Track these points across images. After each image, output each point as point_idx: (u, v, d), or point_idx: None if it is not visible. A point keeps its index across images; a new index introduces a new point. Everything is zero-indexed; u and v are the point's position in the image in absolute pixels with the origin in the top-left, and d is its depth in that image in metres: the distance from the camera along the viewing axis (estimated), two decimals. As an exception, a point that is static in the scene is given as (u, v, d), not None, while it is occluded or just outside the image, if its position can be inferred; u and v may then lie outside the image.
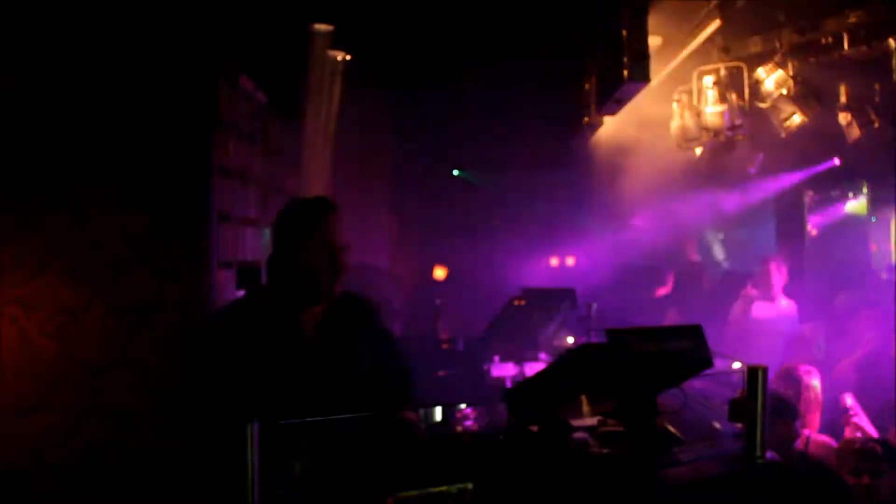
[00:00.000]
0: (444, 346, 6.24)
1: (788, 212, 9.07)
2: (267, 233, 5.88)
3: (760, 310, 6.81)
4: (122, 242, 2.11)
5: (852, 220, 9.77)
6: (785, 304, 6.81)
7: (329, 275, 2.70)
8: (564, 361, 2.55)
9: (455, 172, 10.81)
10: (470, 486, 2.18)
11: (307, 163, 6.60)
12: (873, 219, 10.66)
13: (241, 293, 3.19)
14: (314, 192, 6.61)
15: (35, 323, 2.62)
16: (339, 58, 6.33)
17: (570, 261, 10.94)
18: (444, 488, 2.16)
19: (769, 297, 6.79)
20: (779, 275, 6.82)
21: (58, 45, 3.24)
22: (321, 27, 6.01)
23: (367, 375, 2.80)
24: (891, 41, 5.17)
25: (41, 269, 1.92)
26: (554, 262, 10.96)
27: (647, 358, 2.40)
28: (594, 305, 5.31)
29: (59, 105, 3.07)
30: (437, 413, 3.09)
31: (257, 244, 5.71)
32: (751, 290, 6.83)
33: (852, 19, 5.47)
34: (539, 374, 2.68)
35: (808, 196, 9.51)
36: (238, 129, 5.24)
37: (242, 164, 5.32)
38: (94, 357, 2.17)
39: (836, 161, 8.16)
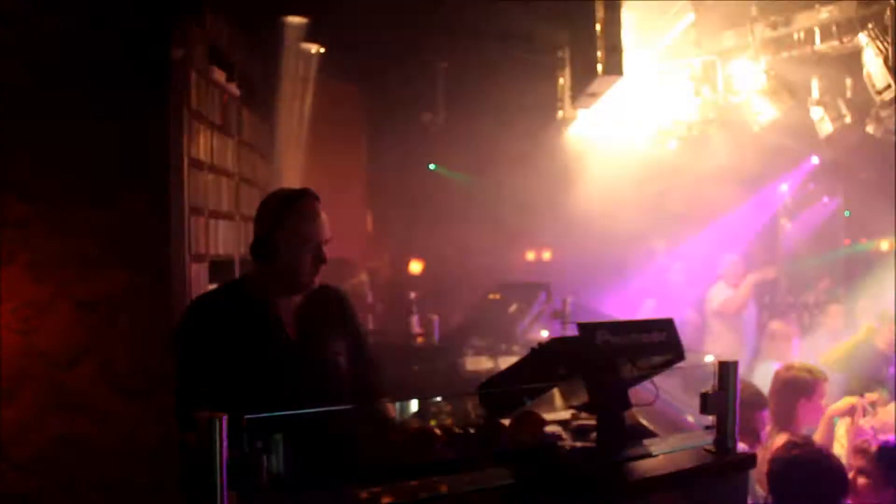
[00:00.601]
0: (419, 339, 6.23)
1: (760, 204, 9.13)
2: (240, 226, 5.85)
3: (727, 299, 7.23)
4: (91, 235, 2.07)
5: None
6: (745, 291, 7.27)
7: (310, 266, 2.74)
8: (536, 355, 2.55)
9: (431, 166, 10.80)
10: (442, 480, 2.17)
11: (280, 156, 6.56)
12: (847, 213, 10.78)
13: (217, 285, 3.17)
14: (287, 185, 6.57)
15: (-1, 316, 2.60)
16: (313, 51, 6.29)
17: (546, 255, 10.97)
18: (416, 482, 2.15)
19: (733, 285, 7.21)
20: (742, 266, 7.36)
21: (26, 28, 3.19)
22: (294, 20, 5.97)
23: (341, 367, 2.83)
24: (861, 36, 5.20)
25: (6, 262, 1.88)
26: (530, 255, 10.98)
27: (618, 351, 2.40)
28: (569, 299, 5.32)
29: (25, 94, 3.03)
30: (412, 407, 3.09)
31: (230, 237, 5.67)
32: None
33: (824, 14, 5.50)
34: (511, 368, 2.68)
35: (784, 191, 9.59)
36: (210, 121, 5.20)
37: (215, 157, 5.28)
38: (60, 352, 2.13)
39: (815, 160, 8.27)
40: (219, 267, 5.40)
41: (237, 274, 5.78)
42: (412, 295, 7.52)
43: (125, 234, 2.19)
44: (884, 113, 5.51)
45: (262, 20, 5.86)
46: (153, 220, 2.61)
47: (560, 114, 7.21)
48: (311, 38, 6.20)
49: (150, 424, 2.08)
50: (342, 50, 6.54)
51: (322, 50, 6.27)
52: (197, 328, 2.70)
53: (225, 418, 1.98)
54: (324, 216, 2.78)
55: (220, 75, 5.45)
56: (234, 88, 5.80)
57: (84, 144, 1.87)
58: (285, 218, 2.72)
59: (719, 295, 7.38)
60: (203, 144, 5.01)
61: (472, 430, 2.64)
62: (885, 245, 11.57)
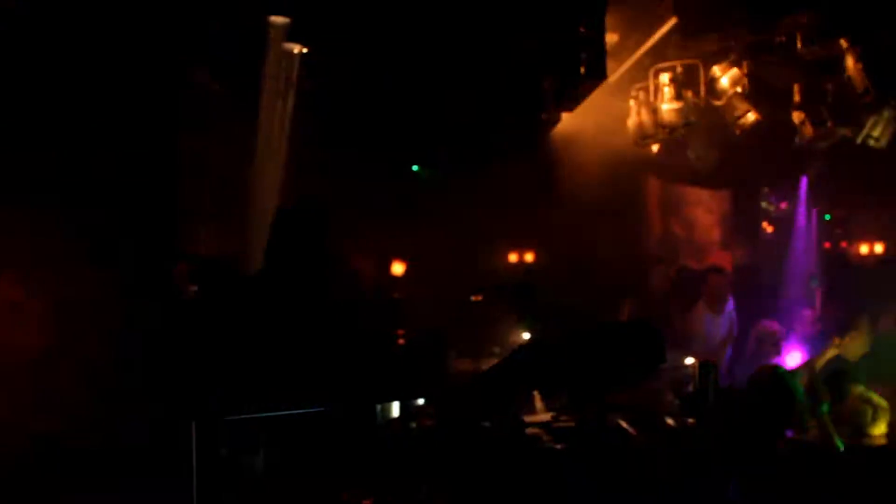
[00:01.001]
0: (401, 341, 6.21)
1: (743, 208, 9.18)
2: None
3: (708, 323, 6.89)
4: (71, 235, 2.07)
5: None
6: (729, 317, 6.92)
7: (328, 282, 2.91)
8: (517, 357, 2.54)
9: (415, 168, 10.76)
10: (424, 480, 2.17)
11: (263, 155, 6.52)
12: (827, 217, 10.85)
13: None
14: (269, 185, 6.54)
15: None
16: (296, 51, 6.25)
17: (529, 257, 10.97)
18: (397, 482, 2.15)
19: (718, 311, 6.86)
20: (727, 287, 6.95)
21: (10, 40, 3.17)
22: (278, 20, 5.94)
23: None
24: (842, 41, 5.24)
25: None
26: (513, 258, 10.98)
27: (599, 353, 2.40)
28: (554, 301, 5.33)
29: (12, 100, 3.01)
30: (394, 409, 3.08)
31: (214, 237, 5.64)
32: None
33: (804, 19, 5.53)
34: (492, 370, 2.67)
35: (764, 194, 9.64)
36: (193, 120, 5.18)
37: (198, 157, 5.25)
38: (37, 349, 2.12)
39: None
40: (203, 267, 5.37)
41: (220, 273, 5.76)
42: (395, 295, 7.50)
43: (106, 234, 2.18)
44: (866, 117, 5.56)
45: (246, 19, 5.83)
46: (135, 221, 2.59)
47: (544, 115, 7.21)
48: (295, 39, 6.17)
49: (131, 425, 2.08)
50: (326, 51, 6.52)
51: (305, 50, 6.22)
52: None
53: (202, 422, 1.97)
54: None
55: (203, 75, 5.42)
56: (217, 88, 5.77)
57: (60, 142, 1.86)
58: (293, 229, 2.86)
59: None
60: (187, 144, 4.98)
61: (454, 433, 2.64)
62: (864, 249, 11.67)
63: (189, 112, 5.09)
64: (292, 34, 6.10)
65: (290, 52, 6.24)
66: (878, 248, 11.52)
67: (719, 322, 6.84)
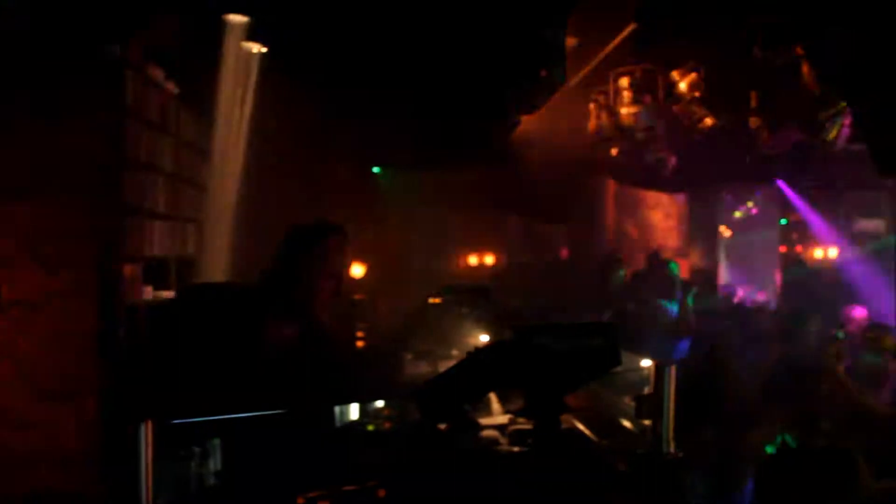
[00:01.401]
0: (360, 343, 6.17)
1: (702, 211, 9.26)
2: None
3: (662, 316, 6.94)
4: (9, 235, 2.00)
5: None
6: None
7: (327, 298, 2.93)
8: (473, 359, 2.52)
9: (375, 170, 10.74)
10: (379, 484, 2.14)
11: (220, 157, 6.45)
12: (783, 221, 11.01)
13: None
14: (226, 188, 6.47)
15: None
16: (255, 50, 6.18)
17: (488, 259, 11.00)
18: (353, 487, 2.12)
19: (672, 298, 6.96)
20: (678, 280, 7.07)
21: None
22: (235, 18, 5.86)
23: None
24: (797, 47, 5.30)
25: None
26: (472, 260, 11.00)
27: (555, 355, 2.39)
28: (511, 302, 5.33)
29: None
30: (353, 411, 3.04)
31: (167, 238, 5.56)
32: None
33: (762, 25, 5.58)
34: (448, 372, 2.65)
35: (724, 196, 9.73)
36: (146, 119, 5.09)
37: (151, 156, 5.16)
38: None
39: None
40: (153, 267, 5.30)
41: (173, 273, 5.68)
42: (355, 297, 7.45)
43: (47, 234, 2.12)
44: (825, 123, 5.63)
45: (203, 17, 5.74)
46: (79, 219, 2.53)
47: (505, 118, 7.22)
48: (254, 38, 6.09)
49: (72, 429, 2.02)
50: (286, 50, 6.45)
51: (264, 50, 6.15)
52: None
53: (152, 425, 1.92)
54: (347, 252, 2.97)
55: (157, 73, 5.34)
56: (172, 86, 5.68)
57: (3, 141, 1.80)
58: (313, 248, 2.87)
59: None
60: (138, 143, 4.90)
61: (409, 435, 2.61)
62: (818, 253, 11.86)
63: (141, 109, 5.00)
64: (251, 33, 6.03)
65: (249, 52, 6.17)
66: (833, 252, 11.73)
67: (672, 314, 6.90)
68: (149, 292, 5.18)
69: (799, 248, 12.02)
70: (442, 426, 2.56)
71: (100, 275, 2.63)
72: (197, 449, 2.01)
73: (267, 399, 2.70)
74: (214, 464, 2.11)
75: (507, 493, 2.26)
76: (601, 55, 6.58)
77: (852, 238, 11.32)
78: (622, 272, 7.83)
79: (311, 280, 2.84)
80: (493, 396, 2.93)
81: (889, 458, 3.45)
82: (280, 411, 2.56)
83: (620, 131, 6.71)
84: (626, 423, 2.84)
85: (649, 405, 2.47)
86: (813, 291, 9.12)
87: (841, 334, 4.70)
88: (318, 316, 2.91)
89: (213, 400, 2.61)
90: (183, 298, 2.94)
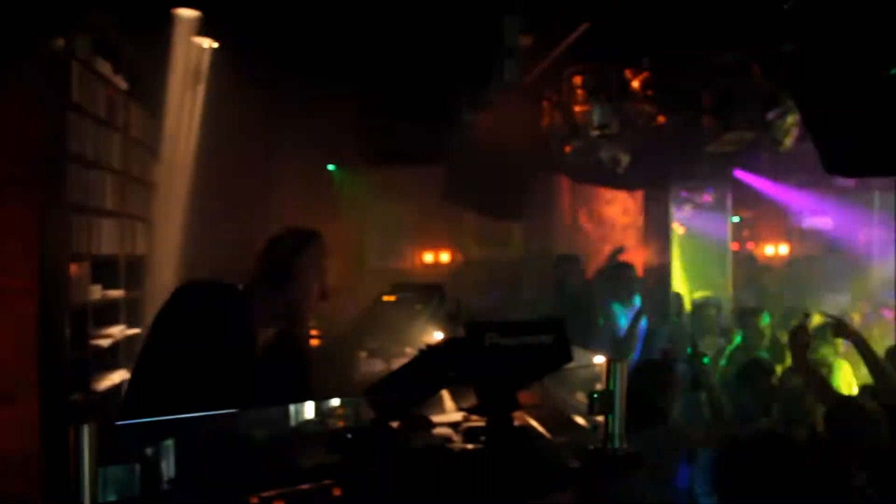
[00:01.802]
0: (313, 341, 6.12)
1: (655, 208, 9.32)
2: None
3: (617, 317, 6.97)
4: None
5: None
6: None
7: (312, 302, 2.97)
8: (425, 357, 2.51)
9: (329, 167, 10.67)
10: (333, 483, 2.12)
11: (170, 154, 6.36)
12: (736, 219, 11.14)
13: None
14: (176, 186, 6.39)
15: None
16: (206, 45, 6.11)
17: (444, 256, 10.98)
18: (306, 486, 2.09)
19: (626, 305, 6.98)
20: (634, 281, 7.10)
21: None
22: (186, 13, 5.78)
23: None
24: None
25: None
26: (428, 257, 10.98)
27: (506, 352, 2.38)
28: (461, 301, 5.33)
29: None
30: (307, 410, 3.02)
31: (115, 236, 5.48)
32: None
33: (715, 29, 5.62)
34: (401, 370, 2.64)
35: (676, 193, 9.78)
36: (94, 114, 5.00)
37: (98, 152, 5.08)
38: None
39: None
40: (102, 266, 5.22)
41: (122, 272, 5.60)
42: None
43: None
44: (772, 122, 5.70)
45: (152, 11, 5.66)
46: (22, 216, 2.47)
47: (460, 116, 7.20)
48: (205, 33, 6.01)
49: (12, 431, 1.96)
50: (239, 46, 6.38)
51: (216, 45, 6.08)
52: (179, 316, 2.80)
53: (94, 426, 1.87)
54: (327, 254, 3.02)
55: (105, 67, 5.25)
56: (120, 81, 5.59)
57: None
58: (308, 253, 2.93)
59: None
60: (85, 139, 4.81)
61: (361, 434, 2.59)
62: (769, 250, 12.04)
63: (88, 103, 4.91)
64: (202, 28, 5.96)
65: (200, 47, 6.09)
66: (783, 249, 11.92)
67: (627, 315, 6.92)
68: (97, 292, 5.10)
69: (751, 245, 12.20)
70: (395, 424, 2.54)
71: (44, 274, 2.57)
72: (149, 450, 1.98)
73: (235, 398, 2.69)
74: (167, 465, 2.07)
75: (460, 491, 2.25)
76: (555, 53, 6.59)
77: (801, 235, 11.53)
78: (578, 271, 7.87)
79: (305, 283, 2.91)
80: (445, 394, 2.92)
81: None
82: (235, 410, 2.54)
83: (574, 129, 6.72)
84: (579, 420, 2.85)
85: (601, 402, 2.47)
86: (764, 288, 9.27)
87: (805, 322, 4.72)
88: (305, 319, 3.02)
89: (162, 399, 2.59)
90: (175, 297, 2.90)
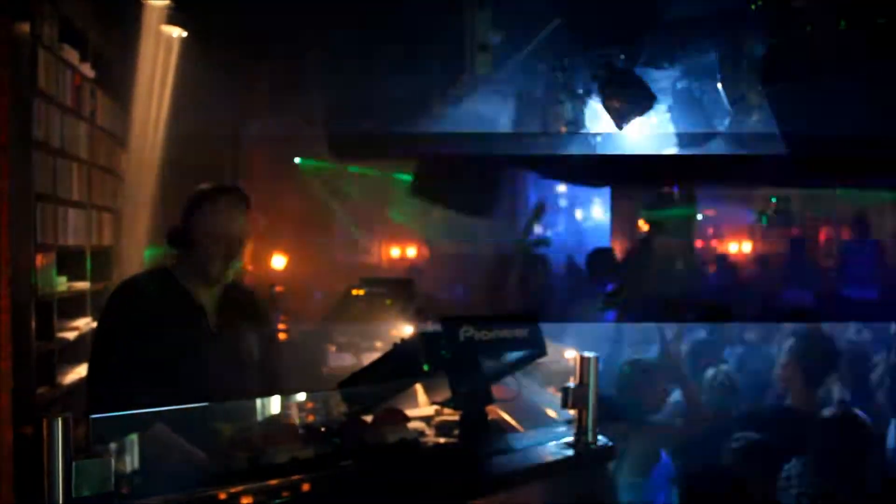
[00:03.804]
0: (281, 335, 6.10)
1: (624, 206, 9.39)
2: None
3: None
4: None
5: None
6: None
7: (220, 262, 2.81)
8: (399, 350, 2.51)
9: (297, 160, 10.62)
10: (302, 478, 2.11)
11: (138, 143, 6.29)
12: (699, 216, 11.25)
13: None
14: (143, 174, 6.32)
15: None
16: (175, 34, 6.04)
17: (411, 251, 10.99)
18: (276, 481, 2.08)
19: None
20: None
21: None
22: (155, 1, 5.72)
23: (255, 360, 2.96)
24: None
25: None
26: (395, 252, 10.97)
27: (481, 346, 2.39)
28: (433, 295, 5.32)
29: None
30: (274, 404, 3.00)
31: (81, 226, 5.41)
32: None
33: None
34: (373, 364, 2.63)
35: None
36: (60, 102, 4.93)
37: (64, 140, 5.01)
38: None
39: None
40: (68, 257, 5.15)
41: (88, 264, 5.54)
42: (275, 289, 7.36)
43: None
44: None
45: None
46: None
47: (428, 109, 7.19)
48: (173, 21, 5.94)
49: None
50: (208, 36, 6.32)
51: (185, 34, 6.01)
52: (121, 311, 2.78)
53: (68, 418, 1.84)
54: (244, 215, 2.87)
55: (72, 55, 5.17)
56: (87, 69, 5.52)
57: None
58: (201, 211, 2.81)
59: None
60: (51, 127, 4.75)
61: (333, 428, 2.58)
62: (733, 247, 12.17)
63: (54, 91, 4.83)
64: (171, 17, 5.89)
65: (169, 36, 6.03)
66: (747, 246, 12.07)
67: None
68: (63, 283, 5.03)
69: (714, 243, 12.34)
70: (368, 418, 2.54)
71: (8, 264, 2.52)
72: (112, 445, 1.95)
73: (190, 390, 2.71)
74: (131, 460, 2.05)
75: (433, 484, 2.25)
76: (525, 49, 6.60)
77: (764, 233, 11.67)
78: (545, 268, 7.85)
79: (204, 241, 2.81)
80: (419, 387, 2.92)
81: None
82: (202, 404, 2.52)
83: (543, 125, 6.73)
84: (551, 413, 2.86)
85: (575, 395, 2.49)
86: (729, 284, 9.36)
87: None
88: (220, 275, 2.86)
89: (128, 394, 2.56)
90: (114, 295, 2.89)
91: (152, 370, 2.67)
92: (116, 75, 6.16)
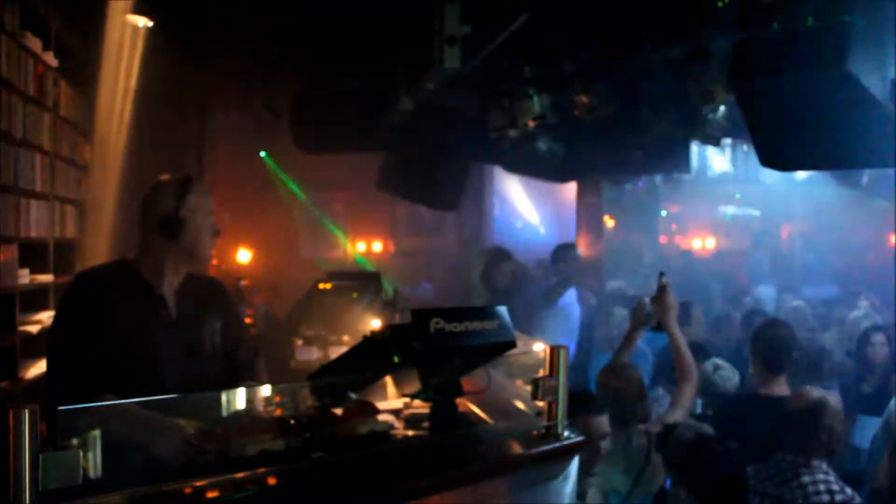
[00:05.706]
0: (251, 330, 6.07)
1: (587, 201, 9.43)
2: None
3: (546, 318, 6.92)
4: None
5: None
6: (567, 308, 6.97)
7: (210, 241, 2.94)
8: (368, 342, 2.50)
9: (262, 154, 10.57)
10: (271, 472, 2.10)
11: (102, 134, 6.21)
12: (663, 212, 11.35)
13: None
14: (108, 166, 6.26)
15: None
16: (140, 24, 5.96)
17: (377, 245, 10.98)
18: (244, 474, 2.07)
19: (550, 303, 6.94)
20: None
21: None
22: (120, -9, 5.65)
23: (217, 349, 2.99)
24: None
25: None
26: (361, 246, 10.97)
27: (451, 338, 2.39)
28: (398, 288, 5.34)
29: None
30: (240, 397, 2.99)
31: (44, 218, 5.33)
32: None
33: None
34: (343, 356, 2.63)
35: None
36: (22, 91, 4.86)
37: (26, 131, 4.93)
38: None
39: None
40: (30, 249, 5.08)
41: (52, 257, 5.47)
42: (241, 283, 7.33)
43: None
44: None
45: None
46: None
47: (395, 103, 7.18)
48: (139, 12, 5.87)
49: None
50: (174, 26, 6.25)
51: (150, 24, 5.94)
52: (79, 302, 2.79)
53: (35, 409, 1.81)
54: (203, 204, 2.95)
55: (34, 43, 5.10)
56: (50, 58, 5.43)
57: None
58: (190, 197, 2.88)
59: None
60: (13, 117, 4.67)
61: (302, 420, 2.57)
62: (697, 243, 12.31)
63: (16, 80, 4.77)
64: (137, 7, 5.82)
65: (135, 26, 5.95)
66: (710, 241, 12.22)
67: (554, 313, 6.85)
68: (25, 276, 4.96)
69: (678, 239, 12.47)
70: (337, 411, 2.53)
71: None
72: (75, 440, 1.93)
73: (152, 380, 2.76)
74: (94, 455, 2.03)
75: (403, 477, 2.25)
76: (494, 43, 6.60)
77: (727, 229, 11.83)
78: (510, 266, 7.83)
79: (197, 225, 2.90)
80: (388, 380, 2.92)
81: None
82: (170, 397, 2.51)
83: (512, 120, 6.75)
84: (521, 406, 2.87)
85: (545, 387, 2.50)
86: (693, 280, 9.46)
87: None
88: (207, 258, 2.98)
89: (93, 386, 2.55)
90: (70, 288, 2.89)
91: (113, 361, 2.67)
92: (80, 65, 6.07)
